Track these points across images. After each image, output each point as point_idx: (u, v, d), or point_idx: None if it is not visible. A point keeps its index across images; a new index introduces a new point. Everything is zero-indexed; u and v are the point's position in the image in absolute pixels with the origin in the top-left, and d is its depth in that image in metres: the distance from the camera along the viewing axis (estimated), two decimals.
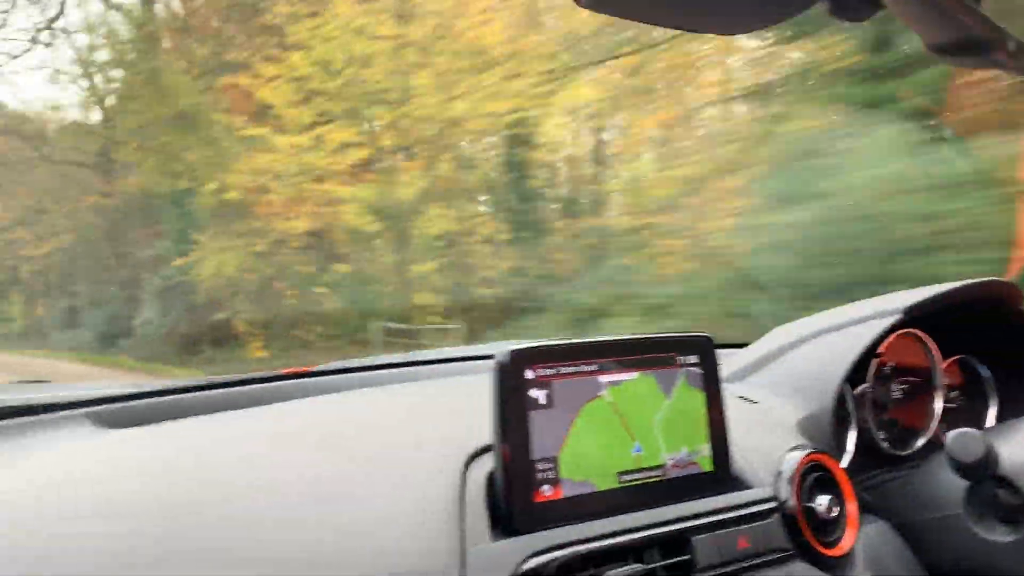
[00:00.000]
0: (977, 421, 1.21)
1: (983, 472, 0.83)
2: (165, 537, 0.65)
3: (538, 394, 0.74)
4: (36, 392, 0.91)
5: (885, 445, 1.10)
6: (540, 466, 0.73)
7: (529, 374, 0.74)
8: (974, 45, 0.51)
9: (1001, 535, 0.86)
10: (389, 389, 1.02)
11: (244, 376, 1.02)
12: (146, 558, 0.62)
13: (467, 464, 0.75)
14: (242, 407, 0.92)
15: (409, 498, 0.71)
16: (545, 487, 0.73)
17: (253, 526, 0.67)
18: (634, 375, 0.80)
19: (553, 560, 0.69)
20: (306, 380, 1.03)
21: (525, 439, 0.72)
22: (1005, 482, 0.86)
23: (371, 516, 0.69)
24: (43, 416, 0.84)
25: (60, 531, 0.64)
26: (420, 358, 1.21)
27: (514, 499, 0.71)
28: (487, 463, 0.75)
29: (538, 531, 0.71)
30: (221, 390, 0.98)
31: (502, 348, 0.74)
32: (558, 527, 0.72)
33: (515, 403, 0.72)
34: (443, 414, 0.90)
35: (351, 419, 0.88)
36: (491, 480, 0.74)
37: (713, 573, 0.76)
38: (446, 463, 0.75)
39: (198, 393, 0.96)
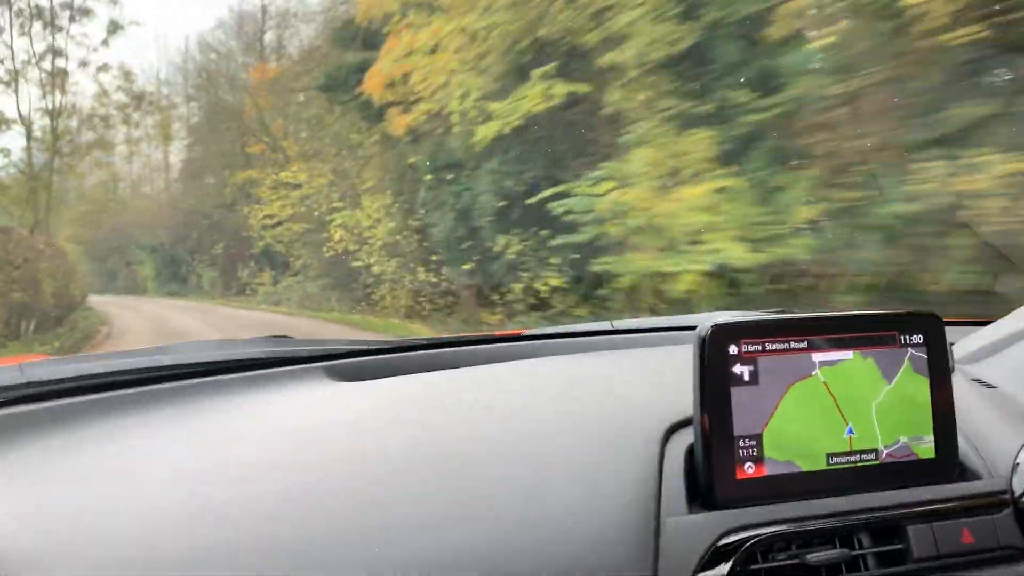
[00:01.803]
0: None
1: None
2: (390, 482, 0.72)
3: (742, 369, 0.73)
4: (279, 347, 1.03)
5: None
6: (742, 443, 0.72)
7: (733, 349, 0.73)
8: None
9: None
10: (595, 356, 1.05)
11: (460, 336, 1.10)
12: (376, 501, 0.70)
13: (667, 435, 0.76)
14: (459, 366, 0.99)
15: (608, 466, 0.73)
16: (748, 464, 0.72)
17: (464, 480, 0.72)
18: (850, 354, 0.76)
19: (752, 537, 0.69)
20: (516, 344, 1.08)
21: (726, 415, 0.72)
22: None
23: (571, 480, 0.72)
24: (285, 368, 0.95)
25: (294, 477, 0.73)
26: (625, 326, 1.23)
27: (715, 474, 0.71)
28: (687, 436, 0.76)
29: (739, 507, 0.71)
30: (441, 349, 1.05)
31: (706, 321, 0.74)
32: (759, 505, 0.71)
33: (717, 378, 0.72)
34: (646, 384, 0.91)
35: (558, 384, 0.92)
36: (691, 454, 0.75)
37: (930, 565, 0.72)
38: (646, 433, 0.77)
39: (420, 352, 1.04)
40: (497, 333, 1.16)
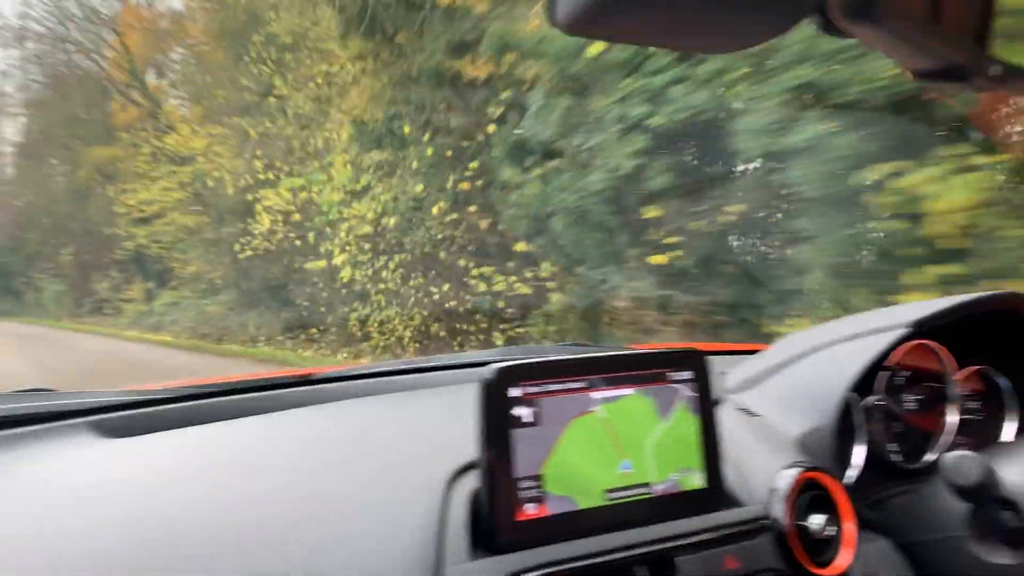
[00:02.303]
0: (994, 433, 1.19)
1: (982, 495, 0.81)
2: (160, 549, 0.67)
3: (523, 412, 0.74)
4: (39, 400, 0.94)
5: (896, 458, 1.08)
6: (524, 484, 0.74)
7: (514, 392, 0.74)
8: (957, 72, 0.50)
9: (1004, 558, 0.85)
10: (386, 399, 1.03)
11: (244, 380, 1.05)
12: (146, 568, 0.64)
13: (451, 481, 0.76)
14: (242, 415, 0.94)
15: (391, 514, 0.72)
16: (529, 505, 0.74)
17: (240, 540, 0.69)
18: (629, 392, 0.80)
19: None
20: (305, 388, 1.05)
21: (508, 457, 0.73)
22: (1009, 504, 0.84)
23: (353, 532, 0.70)
24: (44, 426, 0.87)
25: (59, 545, 0.67)
26: (420, 364, 1.22)
27: (496, 517, 0.72)
28: (473, 481, 0.76)
29: (520, 550, 0.72)
30: (223, 397, 1.00)
31: (492, 365, 0.74)
32: (541, 546, 0.73)
33: (499, 421, 0.73)
34: (433, 427, 0.91)
35: (344, 431, 0.90)
36: (475, 498, 0.75)
37: None
38: (431, 479, 0.76)
39: (200, 401, 0.98)
40: (286, 372, 1.12)
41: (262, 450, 0.84)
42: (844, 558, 0.85)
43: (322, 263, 7.84)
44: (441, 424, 0.92)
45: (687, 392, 0.83)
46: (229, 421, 0.91)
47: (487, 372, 0.74)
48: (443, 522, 0.72)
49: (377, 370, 1.17)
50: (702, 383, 0.83)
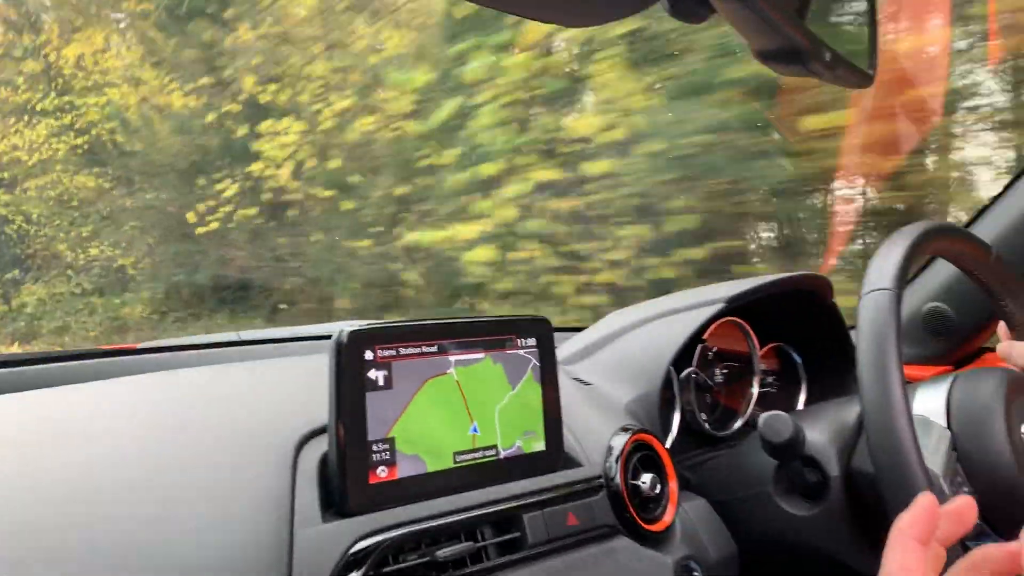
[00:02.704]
0: (790, 404, 1.32)
1: (791, 452, 0.90)
2: None
3: (377, 375, 0.74)
4: None
5: (706, 426, 1.17)
6: (376, 447, 0.73)
7: (368, 355, 0.73)
8: (795, 55, 0.55)
9: (804, 509, 0.94)
10: (222, 368, 0.99)
11: (61, 352, 0.96)
12: None
13: (299, 446, 0.74)
14: (61, 384, 0.86)
15: (238, 482, 0.69)
16: (380, 468, 0.73)
17: (81, 509, 0.63)
18: (482, 356, 0.81)
19: (383, 541, 0.69)
20: (131, 358, 0.98)
21: (361, 420, 0.72)
22: (809, 461, 0.94)
23: (199, 501, 0.67)
24: None
25: None
26: (259, 337, 1.18)
27: (347, 481, 0.71)
28: (322, 445, 0.75)
29: (371, 512, 0.71)
30: (40, 365, 0.91)
31: (342, 328, 0.73)
32: (392, 508, 0.72)
33: (351, 384, 0.72)
34: (278, 395, 0.88)
35: (179, 400, 0.84)
36: (324, 463, 0.73)
37: (542, 549, 0.80)
38: (278, 445, 0.74)
39: (15, 368, 0.89)
40: (106, 347, 1.03)
41: (98, 416, 0.77)
42: (669, 514, 0.92)
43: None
44: (292, 390, 0.89)
45: (534, 361, 0.86)
46: (45, 390, 0.83)
47: (340, 334, 0.72)
48: (294, 485, 0.70)
49: (207, 341, 1.11)
50: (546, 351, 0.86)
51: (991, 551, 0.48)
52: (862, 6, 0.60)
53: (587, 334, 1.22)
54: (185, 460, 0.70)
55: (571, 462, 0.89)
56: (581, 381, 1.07)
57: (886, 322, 0.79)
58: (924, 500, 0.50)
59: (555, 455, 0.86)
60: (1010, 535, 0.89)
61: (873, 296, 0.81)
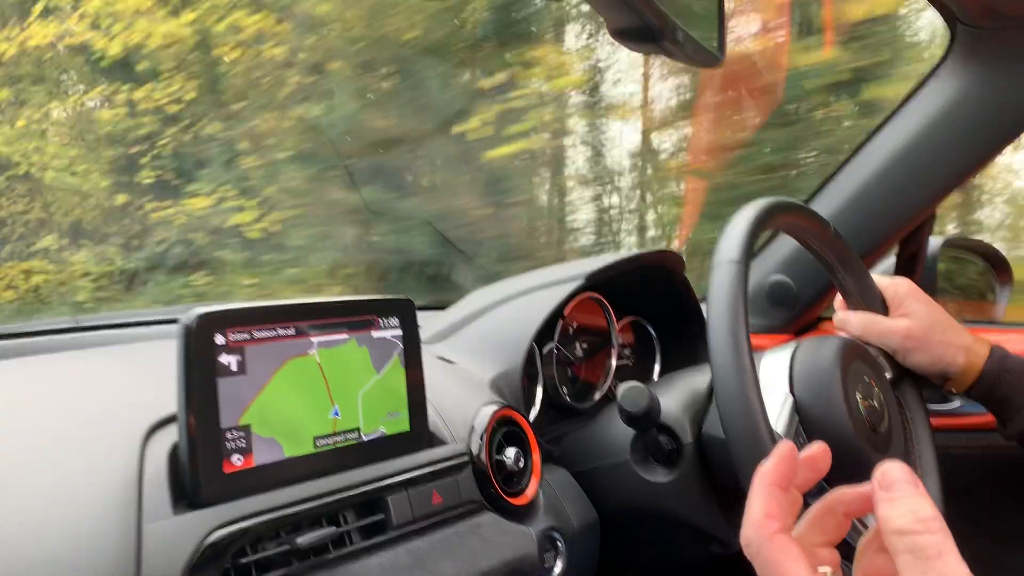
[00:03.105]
0: (645, 375, 1.37)
1: (647, 421, 0.94)
2: None
3: (229, 360, 0.70)
4: None
5: (568, 400, 1.20)
6: (230, 435, 0.70)
7: (219, 339, 0.70)
8: (649, 33, 0.56)
9: (660, 476, 0.98)
10: (65, 356, 0.92)
11: None
12: None
13: (147, 437, 0.70)
14: None
15: (81, 477, 0.65)
16: (235, 457, 0.70)
17: None
18: (346, 338, 0.80)
19: (239, 531, 0.67)
20: None
21: (213, 408, 0.69)
22: (664, 429, 0.98)
23: (36, 499, 0.62)
24: None
25: None
26: (99, 322, 1.10)
27: (199, 471, 0.68)
28: (171, 434, 0.71)
29: (226, 503, 0.68)
30: None
31: (191, 311, 0.69)
32: (248, 497, 0.70)
33: (201, 370, 0.68)
34: (124, 383, 0.83)
35: (15, 392, 0.78)
36: (175, 453, 0.70)
37: (407, 529, 0.79)
38: (123, 436, 0.69)
39: None
40: None
41: None
42: (533, 487, 0.93)
43: None
44: (138, 378, 0.84)
45: (400, 345, 0.84)
46: None
47: (189, 318, 0.69)
48: (140, 478, 0.66)
49: (42, 328, 1.03)
50: (410, 331, 0.85)
51: (845, 494, 0.52)
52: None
53: (450, 313, 1.22)
54: (25, 455, 0.65)
55: (436, 440, 0.88)
56: (445, 360, 1.07)
57: (735, 293, 0.83)
58: (783, 448, 0.53)
59: (419, 435, 0.86)
60: None
61: (723, 268, 0.85)
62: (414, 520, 0.80)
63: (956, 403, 1.42)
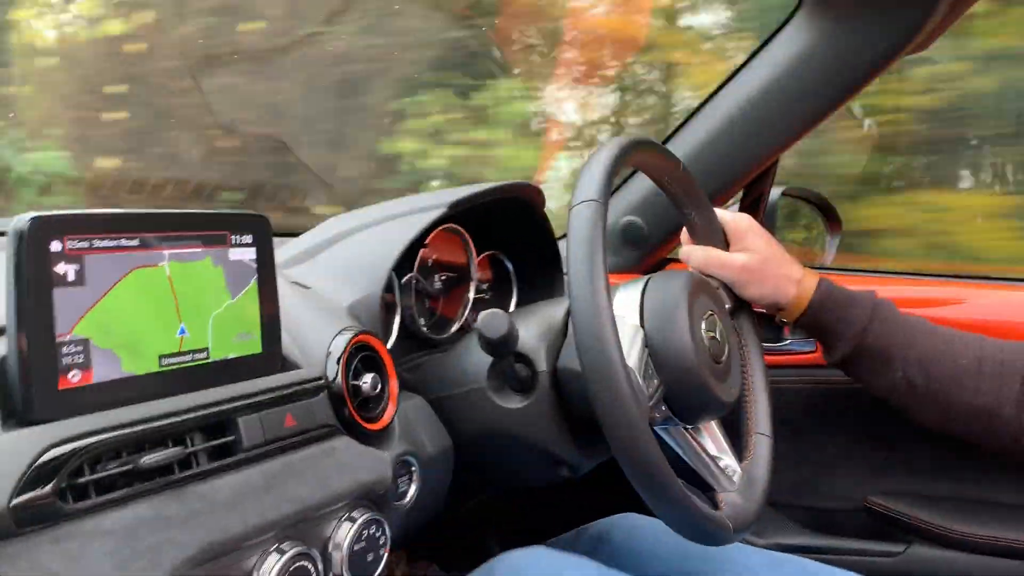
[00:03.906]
0: (502, 309, 1.39)
1: (505, 348, 0.95)
2: None
3: (66, 268, 0.66)
4: None
5: (425, 330, 1.20)
6: (66, 349, 0.66)
7: (55, 246, 0.65)
8: None
9: (515, 403, 1.01)
10: None
11: None
12: None
13: None
14: None
15: None
16: (72, 373, 0.66)
17: None
18: (201, 253, 0.76)
19: (77, 449, 0.63)
20: None
21: (47, 320, 0.64)
22: (521, 357, 1.00)
23: None
24: None
25: None
26: None
27: (32, 387, 0.63)
28: (2, 347, 0.66)
29: (62, 420, 0.64)
30: None
31: (23, 216, 0.64)
32: (87, 415, 0.66)
33: (35, 278, 0.63)
34: None
35: None
36: (3, 367, 0.65)
37: (258, 451, 0.77)
38: None
39: None
40: None
41: None
42: (389, 412, 0.93)
43: None
44: None
45: (255, 269, 0.81)
46: None
47: (20, 222, 0.63)
48: None
49: None
50: (264, 250, 0.83)
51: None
52: None
53: (307, 237, 1.18)
54: None
55: (290, 364, 0.86)
56: (301, 284, 1.04)
57: (594, 231, 0.85)
58: None
59: (272, 358, 0.83)
60: (693, 420, 1.01)
61: (582, 207, 0.86)
62: (265, 443, 0.78)
63: (787, 341, 1.52)
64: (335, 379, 0.87)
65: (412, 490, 0.96)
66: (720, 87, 1.40)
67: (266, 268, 0.83)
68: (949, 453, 1.37)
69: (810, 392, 1.52)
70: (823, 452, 1.54)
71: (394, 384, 0.95)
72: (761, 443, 1.11)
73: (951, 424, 1.12)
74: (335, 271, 1.07)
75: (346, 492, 0.83)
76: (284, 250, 1.14)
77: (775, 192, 1.52)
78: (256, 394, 0.79)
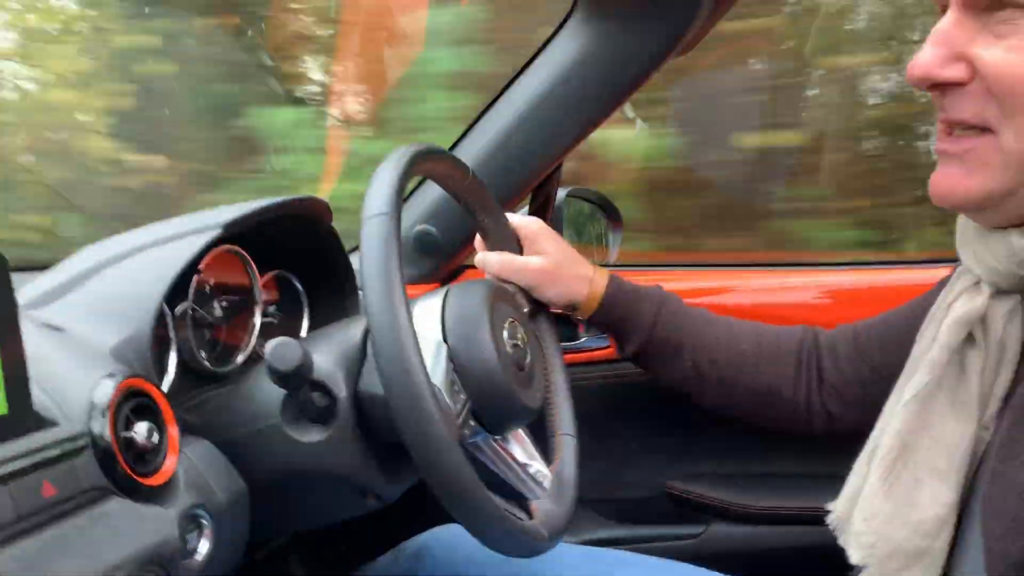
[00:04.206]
0: (293, 333, 1.30)
1: (299, 378, 0.88)
2: None
3: None
4: None
5: (207, 364, 1.10)
6: None
7: None
8: None
9: (314, 435, 0.94)
10: None
11: None
12: None
13: None
14: None
15: None
16: None
17: None
18: None
19: None
20: None
21: None
22: (317, 385, 0.93)
23: None
24: None
25: None
26: None
27: None
28: None
29: None
30: None
31: None
32: None
33: None
34: None
35: None
36: None
37: (11, 531, 0.66)
38: None
39: None
40: None
41: None
42: (170, 463, 0.83)
43: None
44: None
45: None
46: None
47: None
48: None
49: None
50: (2, 292, 0.71)
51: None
52: None
53: (56, 272, 1.04)
54: None
55: (45, 422, 0.75)
56: (52, 327, 0.91)
57: (387, 245, 0.82)
58: None
59: (20, 417, 0.72)
60: (502, 430, 1.00)
61: (372, 221, 0.83)
62: (18, 519, 0.67)
63: (582, 339, 1.56)
64: (101, 434, 0.76)
65: (204, 546, 0.86)
66: (503, 91, 1.40)
67: (5, 314, 0.71)
68: (736, 434, 1.45)
69: (607, 386, 1.57)
70: (625, 445, 1.59)
71: (173, 430, 0.85)
72: (567, 444, 1.12)
73: (737, 407, 1.20)
74: (94, 308, 0.94)
75: (126, 561, 0.73)
76: (30, 288, 0.99)
77: (561, 194, 1.54)
78: (2, 463, 0.67)
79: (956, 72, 0.72)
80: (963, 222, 0.82)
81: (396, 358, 0.77)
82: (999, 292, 0.78)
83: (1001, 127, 0.71)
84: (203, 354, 1.10)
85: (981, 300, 0.79)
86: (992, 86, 0.70)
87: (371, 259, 0.81)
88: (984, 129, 0.72)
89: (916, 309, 0.98)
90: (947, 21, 0.73)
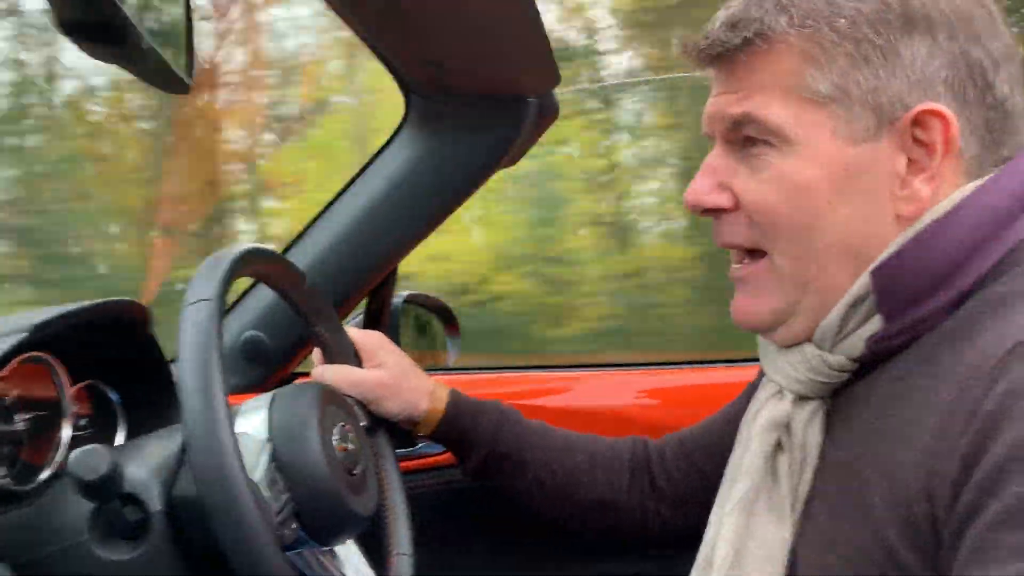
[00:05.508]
0: (108, 445, 1.24)
1: (108, 491, 0.85)
2: None
3: None
4: None
5: (6, 482, 1.03)
6: None
7: None
8: (108, 32, 0.50)
9: (125, 553, 0.89)
10: None
11: None
12: None
13: None
14: None
15: None
16: None
17: None
18: None
19: None
20: None
21: None
22: (129, 498, 0.89)
23: None
24: None
25: None
26: None
27: None
28: None
29: None
30: None
31: None
32: None
33: None
34: None
35: None
36: None
37: None
38: None
39: None
40: None
41: None
42: None
43: None
44: None
45: None
46: None
47: None
48: None
49: None
50: None
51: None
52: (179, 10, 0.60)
53: None
54: None
55: None
56: None
57: (207, 332, 0.81)
58: None
59: None
60: (330, 539, 0.98)
61: (192, 308, 0.83)
62: None
63: (418, 446, 1.56)
64: None
65: None
66: (339, 195, 1.44)
67: None
68: (579, 539, 1.48)
69: (445, 493, 1.57)
70: (466, 552, 1.59)
71: None
72: (403, 563, 1.12)
73: (575, 517, 1.23)
74: None
75: None
76: None
77: (397, 299, 1.58)
78: None
79: (723, 200, 0.82)
80: (762, 339, 0.90)
81: (207, 448, 0.76)
82: (800, 398, 0.86)
83: (772, 250, 0.81)
84: (3, 472, 1.03)
85: (784, 407, 0.86)
86: (752, 215, 0.81)
87: (188, 346, 0.80)
88: (760, 252, 0.82)
89: (730, 414, 1.06)
90: (714, 153, 0.84)
